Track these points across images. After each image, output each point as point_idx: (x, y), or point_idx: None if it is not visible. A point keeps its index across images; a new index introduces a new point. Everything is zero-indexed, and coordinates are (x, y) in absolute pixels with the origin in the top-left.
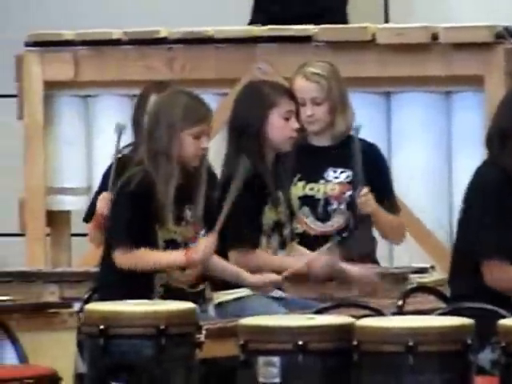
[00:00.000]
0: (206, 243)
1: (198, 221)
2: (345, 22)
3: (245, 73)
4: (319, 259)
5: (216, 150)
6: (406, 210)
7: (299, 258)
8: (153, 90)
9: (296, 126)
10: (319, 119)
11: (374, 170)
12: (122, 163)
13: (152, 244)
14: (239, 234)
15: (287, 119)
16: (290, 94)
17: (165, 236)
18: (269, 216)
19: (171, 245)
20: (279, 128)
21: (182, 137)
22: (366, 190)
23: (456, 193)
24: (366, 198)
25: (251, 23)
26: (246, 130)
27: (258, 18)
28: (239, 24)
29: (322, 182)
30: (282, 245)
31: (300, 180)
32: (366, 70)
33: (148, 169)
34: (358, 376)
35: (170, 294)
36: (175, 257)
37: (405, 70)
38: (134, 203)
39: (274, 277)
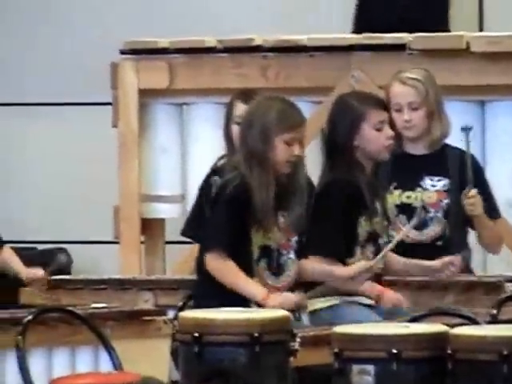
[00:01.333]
0: (288, 299)
1: (291, 227)
2: (446, 29)
3: (339, 81)
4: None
5: (310, 158)
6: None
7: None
8: (239, 98)
9: (390, 133)
10: (416, 124)
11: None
12: (214, 174)
13: (246, 249)
14: (333, 244)
15: (379, 130)
16: (380, 104)
17: (259, 241)
18: (364, 227)
19: (265, 250)
20: (373, 139)
21: (275, 142)
22: (474, 191)
23: None
24: (474, 200)
25: (354, 32)
26: (338, 145)
27: (359, 26)
28: (333, 32)
29: (418, 189)
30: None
31: (396, 188)
32: (460, 79)
33: (244, 173)
34: None
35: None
36: (256, 292)
37: (499, 78)
38: (231, 208)
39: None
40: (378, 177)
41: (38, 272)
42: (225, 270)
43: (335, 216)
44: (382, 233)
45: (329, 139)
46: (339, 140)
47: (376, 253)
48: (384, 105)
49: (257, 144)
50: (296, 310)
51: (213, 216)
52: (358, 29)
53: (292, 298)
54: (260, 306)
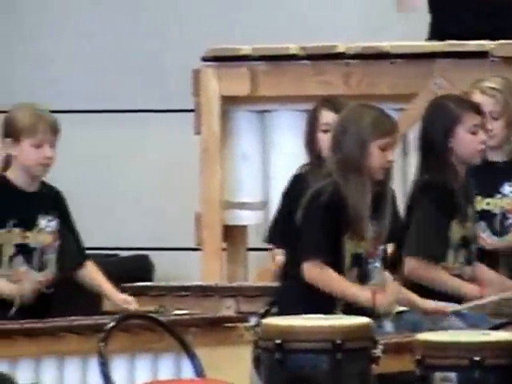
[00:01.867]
0: (393, 290)
1: (381, 236)
2: None
3: (421, 88)
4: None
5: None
6: None
7: (475, 289)
8: (324, 105)
9: (483, 138)
10: (496, 134)
11: None
12: (299, 181)
13: (340, 257)
14: (426, 246)
15: (474, 133)
16: (476, 108)
17: (352, 249)
18: (456, 231)
19: (356, 259)
20: (467, 143)
21: (370, 148)
22: None
23: None
24: None
25: (429, 39)
26: (433, 147)
27: (435, 33)
28: (415, 39)
29: (498, 196)
30: (469, 261)
31: (476, 195)
32: None
33: (338, 180)
34: None
35: (350, 308)
36: (362, 295)
37: None
38: (326, 216)
39: (443, 308)
40: (470, 181)
41: (131, 304)
42: (326, 278)
43: (431, 218)
44: (473, 239)
45: (424, 140)
46: (435, 141)
47: (468, 259)
48: (479, 109)
49: (352, 150)
50: (380, 316)
51: (307, 224)
52: (435, 35)
53: (394, 296)
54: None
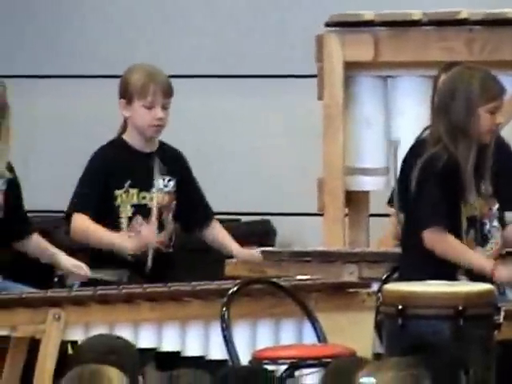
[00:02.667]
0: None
1: (490, 196)
2: None
3: None
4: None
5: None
6: None
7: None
8: (444, 71)
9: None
10: None
11: None
12: (418, 146)
13: (457, 221)
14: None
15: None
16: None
17: (467, 213)
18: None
19: (471, 221)
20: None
21: (479, 112)
22: None
23: None
24: None
25: None
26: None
27: None
28: None
29: None
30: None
31: None
32: None
33: (449, 146)
34: None
35: (473, 274)
36: (483, 265)
37: None
38: (443, 183)
39: None
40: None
41: (255, 255)
42: (447, 245)
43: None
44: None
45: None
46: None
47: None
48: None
49: (461, 115)
50: (502, 283)
51: (425, 192)
52: None
53: None
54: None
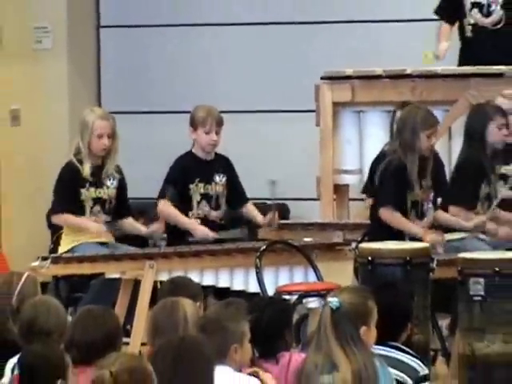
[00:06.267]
0: (437, 236)
1: (429, 188)
2: None
3: (460, 97)
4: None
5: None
6: None
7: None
8: (398, 108)
9: (506, 132)
10: None
11: None
12: (381, 156)
13: (403, 204)
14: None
15: (500, 129)
16: (503, 112)
17: (411, 198)
18: (484, 190)
19: (414, 203)
20: (495, 135)
21: (420, 135)
22: None
23: None
24: None
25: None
26: (473, 136)
27: (465, 61)
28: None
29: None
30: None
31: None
32: None
33: (401, 156)
34: None
35: (415, 238)
36: (417, 232)
37: None
38: (395, 179)
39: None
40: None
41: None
42: (395, 219)
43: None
44: (494, 197)
45: (467, 132)
46: (474, 133)
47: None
48: (505, 113)
49: (409, 137)
50: (434, 244)
51: (383, 183)
52: (465, 62)
53: (438, 235)
54: (416, 239)
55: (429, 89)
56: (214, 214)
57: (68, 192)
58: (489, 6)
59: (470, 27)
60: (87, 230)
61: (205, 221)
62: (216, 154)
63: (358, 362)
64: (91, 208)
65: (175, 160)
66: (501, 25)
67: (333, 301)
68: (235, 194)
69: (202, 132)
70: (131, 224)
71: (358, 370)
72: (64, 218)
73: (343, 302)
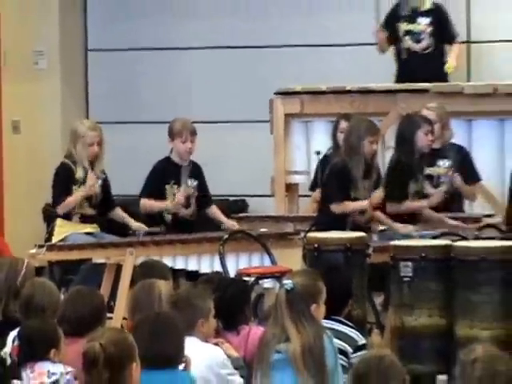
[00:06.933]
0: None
1: (371, 188)
2: (447, 80)
3: (391, 109)
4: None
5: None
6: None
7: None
8: (340, 118)
9: (431, 138)
10: (436, 132)
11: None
12: (325, 158)
13: (348, 199)
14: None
15: (426, 135)
16: (429, 121)
17: (354, 195)
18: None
19: (355, 200)
20: (422, 141)
21: (364, 142)
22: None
23: None
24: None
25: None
26: (403, 142)
27: (401, 79)
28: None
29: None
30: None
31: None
32: (458, 107)
33: (345, 159)
34: (455, 275)
35: (355, 229)
36: (364, 204)
37: (480, 107)
38: (339, 178)
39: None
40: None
41: (234, 225)
42: (346, 206)
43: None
44: (421, 193)
45: (399, 138)
46: (404, 139)
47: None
48: (431, 122)
49: (354, 143)
50: (369, 231)
51: (331, 182)
52: (401, 80)
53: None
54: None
55: (365, 102)
56: (185, 212)
57: (64, 187)
58: (419, 34)
59: (404, 51)
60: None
61: (176, 217)
62: (190, 160)
63: (308, 336)
64: (81, 203)
65: (155, 164)
66: (429, 50)
67: (287, 283)
68: (203, 197)
69: (179, 142)
70: (119, 214)
71: (307, 342)
72: (64, 205)
73: (296, 284)
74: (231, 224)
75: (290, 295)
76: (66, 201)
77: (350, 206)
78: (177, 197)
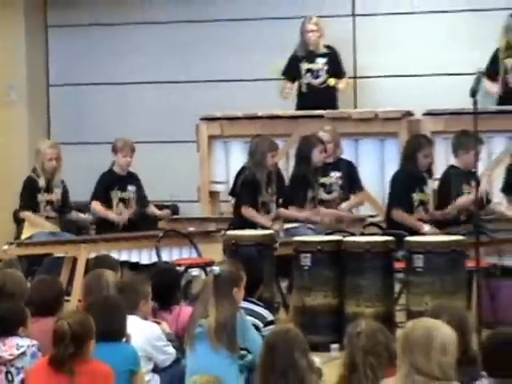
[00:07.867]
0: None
1: (273, 193)
2: (338, 108)
3: (294, 131)
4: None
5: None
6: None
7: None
8: (253, 138)
9: (324, 155)
10: (329, 150)
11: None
12: (241, 170)
13: (255, 203)
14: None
15: (321, 152)
16: (323, 141)
17: (261, 199)
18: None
19: (262, 204)
20: (317, 157)
21: (267, 156)
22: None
23: None
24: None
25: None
26: (302, 158)
27: (301, 107)
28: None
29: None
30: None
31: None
32: (346, 128)
33: (253, 170)
34: (344, 264)
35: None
36: (265, 222)
37: (368, 127)
38: (246, 185)
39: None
40: (315, 172)
41: (165, 214)
42: (249, 213)
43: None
44: (317, 199)
45: (299, 155)
46: (303, 156)
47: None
48: (323, 142)
49: (259, 157)
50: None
51: (241, 190)
52: (301, 108)
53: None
54: (264, 227)
55: (273, 126)
56: (129, 212)
57: (29, 196)
58: (317, 71)
59: (305, 85)
60: (37, 223)
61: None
62: (129, 171)
63: (224, 313)
64: (44, 207)
65: (101, 174)
66: (325, 85)
67: (216, 269)
68: (142, 198)
69: (121, 156)
70: (76, 214)
71: (222, 318)
72: (25, 215)
73: (223, 271)
74: (166, 212)
75: (216, 279)
76: (27, 213)
77: (252, 214)
78: (123, 213)
